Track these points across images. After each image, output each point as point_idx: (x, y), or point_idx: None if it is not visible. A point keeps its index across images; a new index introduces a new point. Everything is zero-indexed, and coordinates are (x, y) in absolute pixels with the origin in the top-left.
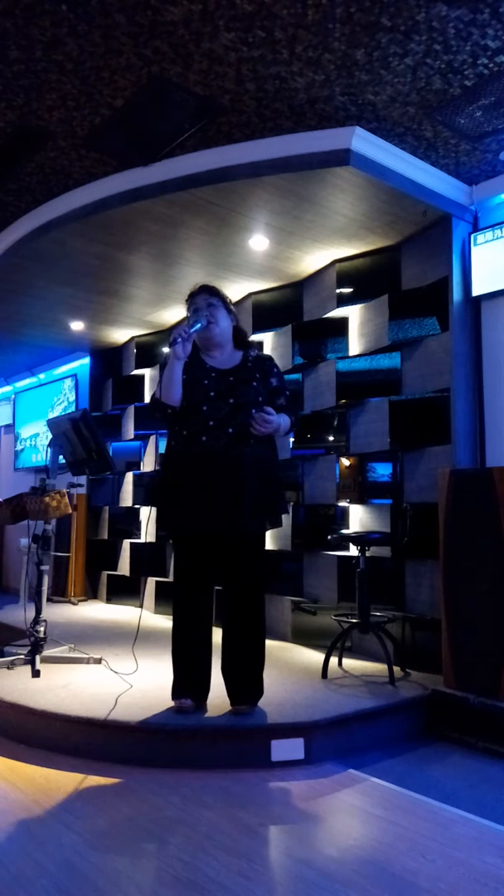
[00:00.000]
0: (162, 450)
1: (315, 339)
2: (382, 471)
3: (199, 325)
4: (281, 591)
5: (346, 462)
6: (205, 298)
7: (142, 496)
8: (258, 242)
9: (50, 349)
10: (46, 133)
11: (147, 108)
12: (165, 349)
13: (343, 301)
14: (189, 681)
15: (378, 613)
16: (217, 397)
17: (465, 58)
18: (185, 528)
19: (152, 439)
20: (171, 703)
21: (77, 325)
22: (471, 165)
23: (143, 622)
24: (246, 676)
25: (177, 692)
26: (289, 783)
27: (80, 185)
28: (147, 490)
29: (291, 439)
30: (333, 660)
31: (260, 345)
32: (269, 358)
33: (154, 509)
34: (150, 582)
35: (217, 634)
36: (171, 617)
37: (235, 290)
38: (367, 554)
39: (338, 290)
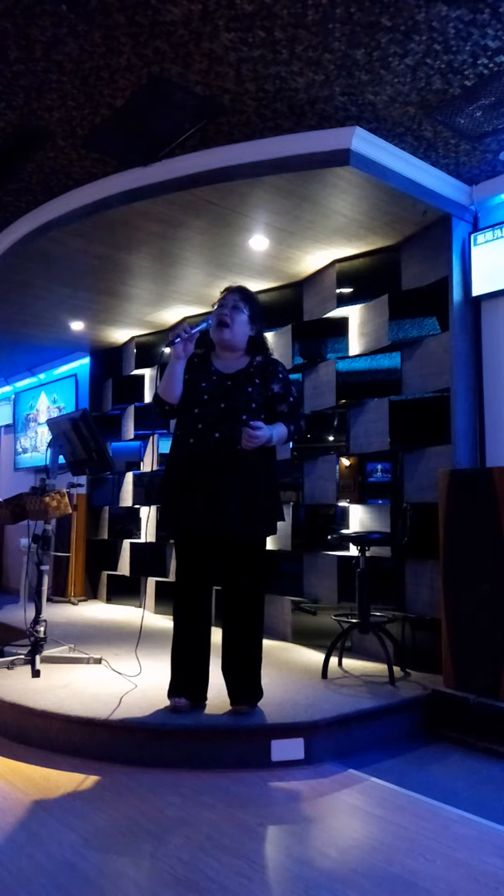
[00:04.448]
0: (164, 450)
1: (315, 339)
2: (382, 471)
3: (201, 327)
4: (281, 591)
5: (346, 462)
6: (234, 299)
7: (143, 495)
8: (258, 242)
9: (50, 349)
10: (46, 133)
11: (147, 108)
12: (166, 349)
13: (343, 301)
14: (185, 680)
15: (378, 613)
16: (210, 401)
17: (465, 58)
18: (177, 529)
19: (152, 439)
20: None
21: (77, 325)
22: (471, 165)
23: (144, 622)
24: (243, 677)
25: (172, 691)
26: (289, 783)
27: (80, 185)
28: (157, 489)
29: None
30: (333, 660)
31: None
32: (275, 363)
33: (157, 509)
34: (150, 582)
35: (217, 634)
36: (172, 617)
37: None
38: (367, 554)
39: (338, 290)
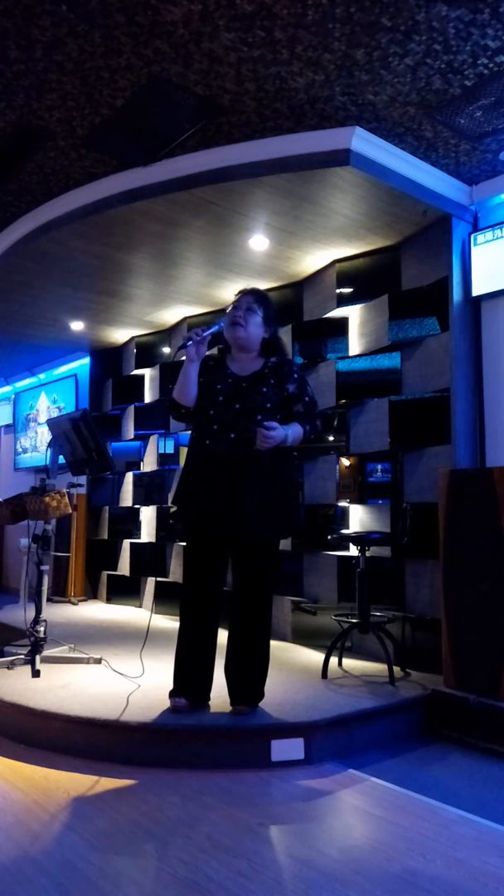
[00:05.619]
0: (166, 450)
1: (315, 339)
2: (382, 471)
3: (214, 329)
4: (281, 591)
5: (346, 462)
6: (248, 301)
7: (143, 495)
8: (258, 242)
9: (50, 349)
10: (46, 133)
11: (147, 108)
12: (166, 349)
13: (343, 301)
14: (187, 681)
15: (378, 613)
16: (225, 402)
17: (465, 58)
18: (192, 527)
19: (152, 439)
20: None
21: (77, 325)
22: (471, 165)
23: (144, 622)
24: (248, 679)
25: (174, 691)
26: (289, 783)
27: (80, 185)
28: (174, 490)
29: None
30: (333, 660)
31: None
32: (290, 363)
33: (172, 510)
34: (150, 582)
35: (222, 634)
36: (176, 617)
37: (235, 290)
38: (367, 554)
39: (338, 290)
